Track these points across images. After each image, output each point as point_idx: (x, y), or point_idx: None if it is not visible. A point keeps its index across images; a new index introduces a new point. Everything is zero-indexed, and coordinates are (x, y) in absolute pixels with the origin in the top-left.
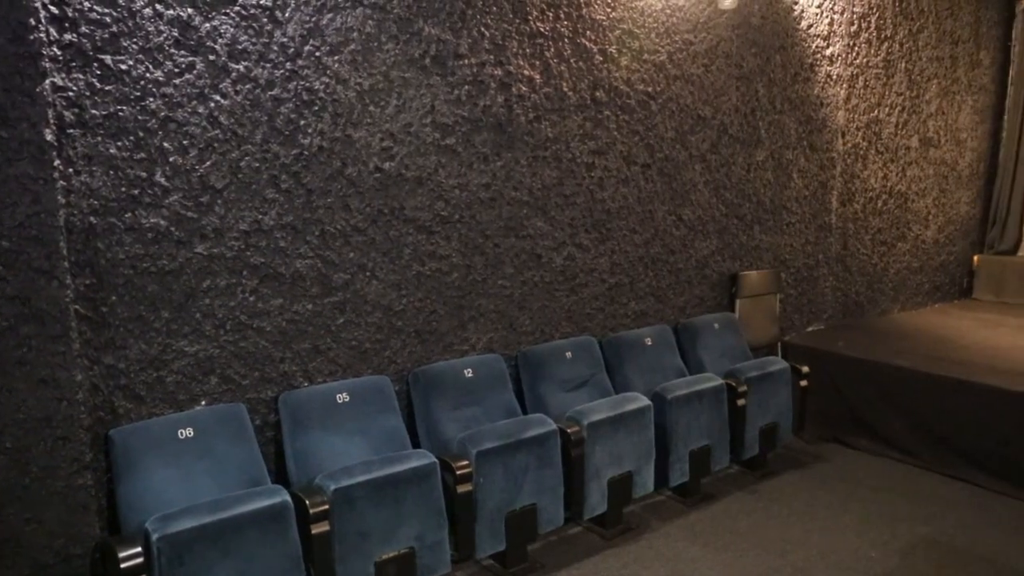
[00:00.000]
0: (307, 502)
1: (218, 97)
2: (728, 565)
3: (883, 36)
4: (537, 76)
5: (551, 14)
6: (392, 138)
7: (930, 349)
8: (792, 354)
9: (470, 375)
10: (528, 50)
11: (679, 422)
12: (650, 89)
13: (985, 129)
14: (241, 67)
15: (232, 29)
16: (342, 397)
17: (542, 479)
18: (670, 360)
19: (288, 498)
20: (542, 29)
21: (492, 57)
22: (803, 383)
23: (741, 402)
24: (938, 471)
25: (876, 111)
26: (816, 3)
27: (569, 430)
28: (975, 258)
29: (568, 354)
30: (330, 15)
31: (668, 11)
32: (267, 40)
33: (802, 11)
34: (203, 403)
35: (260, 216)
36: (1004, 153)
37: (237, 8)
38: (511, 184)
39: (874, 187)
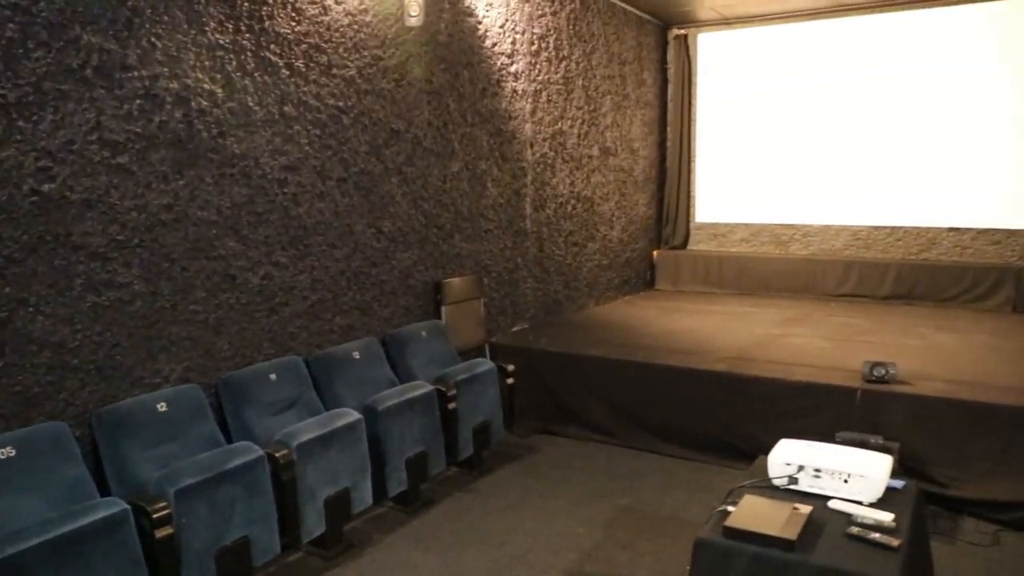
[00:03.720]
0: None
1: None
2: (450, 564)
3: (561, 55)
4: (219, 90)
5: (231, 26)
6: (50, 157)
7: (621, 338)
8: (499, 354)
9: (164, 409)
10: (207, 63)
11: (392, 432)
12: (341, 104)
13: (653, 139)
14: None
15: None
16: (5, 452)
17: (252, 509)
18: (380, 372)
19: None
20: (222, 41)
21: (167, 70)
22: (510, 381)
23: (452, 405)
24: (634, 447)
25: (560, 123)
26: (499, 23)
27: (278, 454)
28: (654, 253)
29: (273, 376)
30: None
31: (356, 27)
32: None
33: (486, 30)
34: None
35: None
36: (670, 160)
37: None
38: (197, 203)
39: (563, 193)
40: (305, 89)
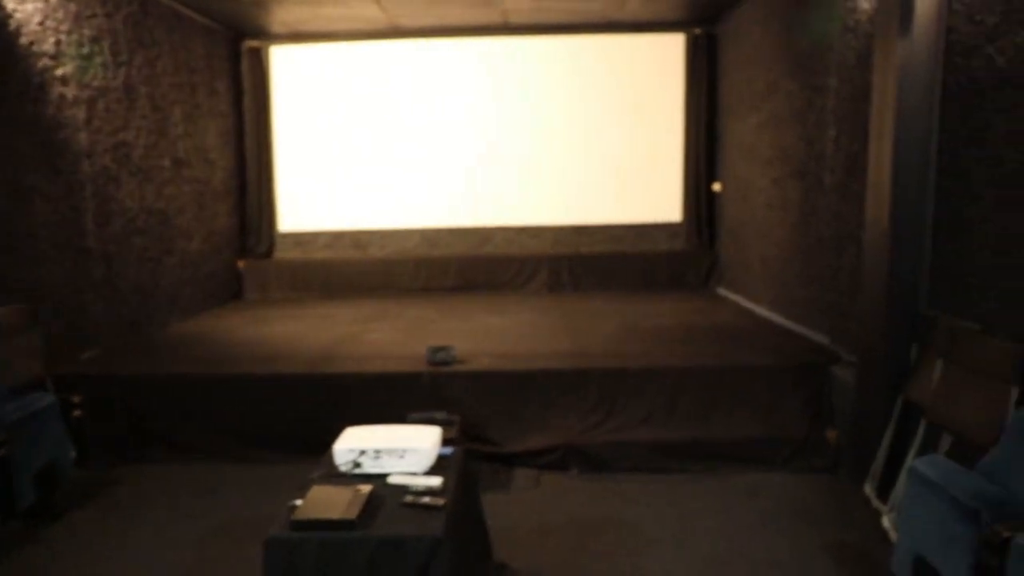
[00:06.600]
0: None
1: None
2: None
3: (119, 61)
4: None
5: None
6: None
7: (206, 352)
8: (66, 385)
9: None
10: None
11: None
12: None
13: (231, 150)
14: None
15: None
16: None
17: None
18: None
19: None
20: None
21: None
22: (77, 413)
23: (2, 452)
24: (227, 459)
25: (123, 133)
26: (36, 20)
27: None
28: (240, 263)
29: None
30: None
31: None
32: None
33: (20, 26)
34: None
35: None
36: (250, 171)
37: None
38: None
39: (132, 207)
40: None
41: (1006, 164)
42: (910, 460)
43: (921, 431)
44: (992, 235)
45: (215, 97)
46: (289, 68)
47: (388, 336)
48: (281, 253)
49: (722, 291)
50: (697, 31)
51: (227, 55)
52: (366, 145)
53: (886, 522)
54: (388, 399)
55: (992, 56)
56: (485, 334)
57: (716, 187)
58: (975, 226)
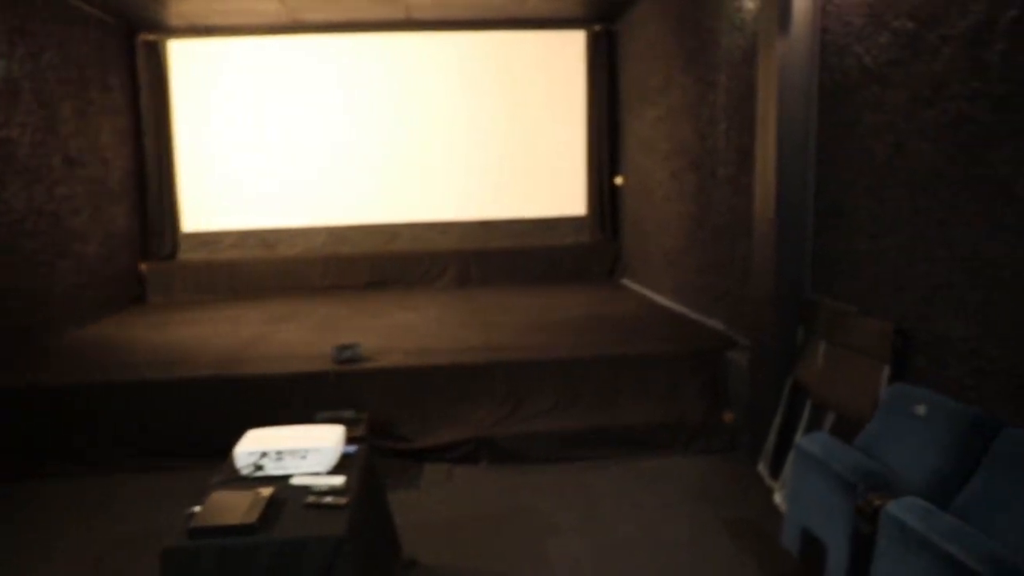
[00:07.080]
0: None
1: None
2: None
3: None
4: None
5: None
6: None
7: (107, 359)
8: None
9: None
10: None
11: None
12: None
13: (129, 148)
14: None
15: None
16: None
17: None
18: None
19: None
20: None
21: None
22: None
23: None
24: (132, 469)
25: (5, 130)
26: None
27: None
28: (142, 266)
29: None
30: None
31: None
32: None
33: None
34: None
35: None
36: (150, 170)
37: None
38: None
39: (19, 209)
40: None
41: (875, 156)
42: (798, 439)
43: (807, 410)
44: (864, 222)
45: (109, 93)
46: (188, 63)
47: (298, 336)
48: (186, 254)
49: (626, 282)
50: (597, 28)
51: (121, 49)
52: (270, 142)
53: (777, 498)
54: (298, 399)
55: (860, 55)
56: (395, 330)
57: (619, 180)
58: (850, 214)
